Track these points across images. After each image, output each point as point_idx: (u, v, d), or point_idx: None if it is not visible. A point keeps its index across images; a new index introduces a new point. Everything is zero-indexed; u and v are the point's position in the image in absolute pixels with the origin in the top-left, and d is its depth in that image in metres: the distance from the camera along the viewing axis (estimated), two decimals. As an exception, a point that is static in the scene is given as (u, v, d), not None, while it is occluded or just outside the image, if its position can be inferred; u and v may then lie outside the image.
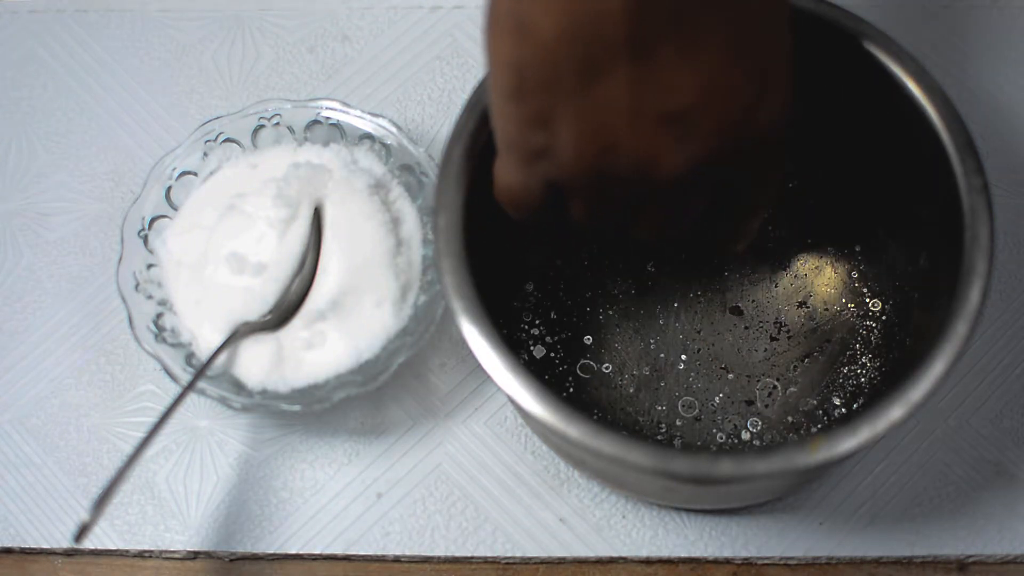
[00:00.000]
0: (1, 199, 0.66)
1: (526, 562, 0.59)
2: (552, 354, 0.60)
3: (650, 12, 0.41)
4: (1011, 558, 0.58)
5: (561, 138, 0.44)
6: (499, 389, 0.50)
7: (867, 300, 0.60)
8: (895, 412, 0.47)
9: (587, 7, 0.41)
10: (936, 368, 0.48)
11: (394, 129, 0.62)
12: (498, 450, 0.60)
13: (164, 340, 0.59)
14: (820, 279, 0.61)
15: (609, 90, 0.42)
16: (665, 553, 0.58)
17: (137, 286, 0.60)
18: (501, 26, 0.43)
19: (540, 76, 0.43)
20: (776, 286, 0.61)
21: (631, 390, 0.59)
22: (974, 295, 0.49)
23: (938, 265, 0.54)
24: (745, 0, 0.43)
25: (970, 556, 0.58)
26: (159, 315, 0.60)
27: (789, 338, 0.60)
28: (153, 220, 0.61)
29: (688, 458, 0.47)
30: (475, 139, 0.53)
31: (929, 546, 0.58)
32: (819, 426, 0.58)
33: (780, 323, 0.60)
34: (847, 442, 0.47)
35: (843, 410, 0.58)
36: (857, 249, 0.61)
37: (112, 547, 0.59)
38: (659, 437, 0.58)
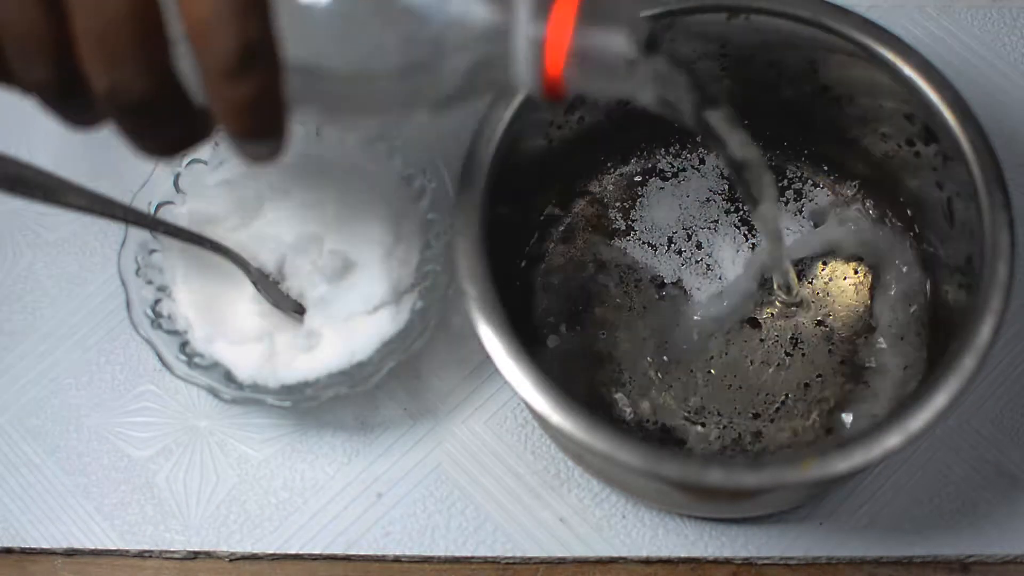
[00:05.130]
0: (1, 199, 0.66)
1: (526, 562, 0.59)
2: (565, 346, 0.60)
3: None
4: (1011, 558, 0.58)
5: None
6: (500, 375, 0.50)
7: (888, 325, 0.59)
8: (891, 440, 0.47)
9: None
10: (938, 400, 0.47)
11: (406, 131, 0.62)
12: (498, 450, 0.60)
13: (160, 327, 0.59)
14: (841, 299, 0.60)
15: None
16: (665, 553, 0.58)
17: (138, 270, 0.60)
18: None
19: None
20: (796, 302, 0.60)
21: (640, 391, 0.59)
22: (985, 331, 0.48)
23: (957, 297, 0.53)
24: None
25: (971, 556, 0.58)
26: (157, 301, 0.60)
27: (804, 355, 0.59)
28: (160, 205, 0.61)
29: (678, 462, 0.47)
30: (506, 123, 0.53)
31: (929, 546, 0.58)
32: (824, 445, 0.57)
33: (796, 339, 0.59)
34: (839, 464, 0.47)
35: (850, 432, 0.57)
36: (881, 273, 0.60)
37: (112, 547, 0.59)
38: (662, 440, 0.58)
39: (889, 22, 0.56)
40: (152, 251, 0.61)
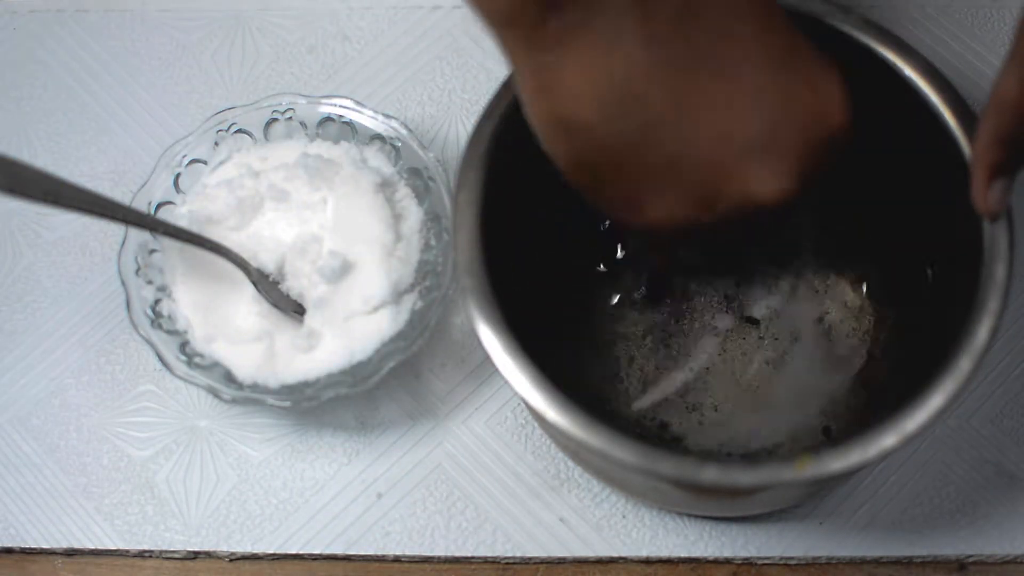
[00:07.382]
0: (1, 199, 0.66)
1: (526, 562, 0.59)
2: (564, 343, 0.60)
3: (676, 54, 0.44)
4: (1011, 558, 0.58)
5: (651, 207, 0.48)
6: (500, 374, 0.50)
7: (885, 324, 0.59)
8: (887, 440, 0.47)
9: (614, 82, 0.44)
10: (934, 401, 0.47)
11: (405, 132, 0.62)
12: (498, 450, 0.60)
13: (160, 326, 0.59)
14: (839, 298, 0.60)
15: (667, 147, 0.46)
16: (665, 553, 0.58)
17: (138, 270, 0.60)
18: (553, 132, 0.46)
19: (604, 162, 0.47)
20: (795, 300, 0.60)
21: (638, 387, 0.59)
22: (982, 333, 0.48)
23: (955, 298, 0.53)
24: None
25: (970, 556, 0.58)
26: (157, 301, 0.60)
27: (802, 353, 0.59)
28: (160, 205, 0.61)
29: (674, 460, 0.47)
30: (505, 120, 0.53)
31: (929, 546, 0.58)
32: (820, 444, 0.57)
33: (795, 337, 0.60)
34: (834, 463, 0.47)
35: (846, 431, 0.57)
36: (879, 273, 0.60)
37: (112, 547, 0.59)
38: (659, 436, 0.58)
39: (889, 22, 0.56)
40: (152, 251, 0.61)
